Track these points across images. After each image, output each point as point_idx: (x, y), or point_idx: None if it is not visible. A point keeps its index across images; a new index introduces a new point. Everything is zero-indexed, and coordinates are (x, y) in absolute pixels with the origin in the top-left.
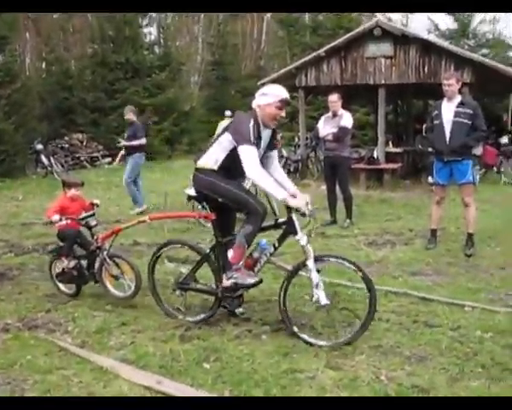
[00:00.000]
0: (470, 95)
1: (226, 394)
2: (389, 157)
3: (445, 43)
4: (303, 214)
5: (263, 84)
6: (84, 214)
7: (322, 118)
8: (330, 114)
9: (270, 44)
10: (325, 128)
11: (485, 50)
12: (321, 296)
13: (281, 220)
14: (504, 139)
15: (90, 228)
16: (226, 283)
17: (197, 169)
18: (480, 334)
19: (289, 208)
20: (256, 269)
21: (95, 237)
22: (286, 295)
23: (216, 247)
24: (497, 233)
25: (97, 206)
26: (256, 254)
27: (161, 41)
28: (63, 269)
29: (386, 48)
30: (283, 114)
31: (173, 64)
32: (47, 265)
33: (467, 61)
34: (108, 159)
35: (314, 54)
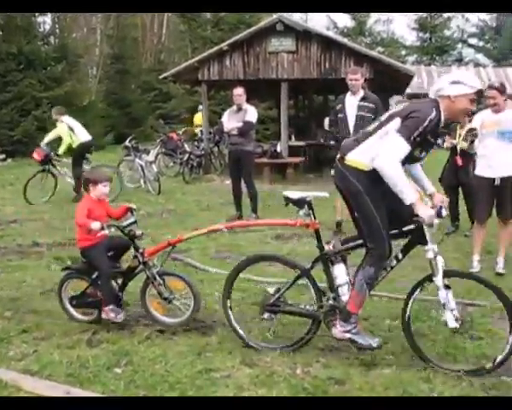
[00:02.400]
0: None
1: None
2: (292, 151)
3: (345, 40)
4: (429, 225)
5: (164, 78)
6: (128, 221)
7: (227, 112)
8: (235, 107)
9: (171, 38)
10: (230, 122)
11: (380, 48)
12: (448, 318)
13: (408, 228)
14: None
15: (133, 239)
16: (339, 334)
17: (344, 164)
18: (389, 322)
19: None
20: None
21: (140, 251)
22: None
23: (318, 261)
24: None
25: (134, 211)
26: None
27: (57, 31)
28: (84, 292)
29: (288, 43)
30: (474, 108)
31: (70, 56)
32: (58, 284)
33: (366, 57)
34: (1, 156)
35: (217, 48)
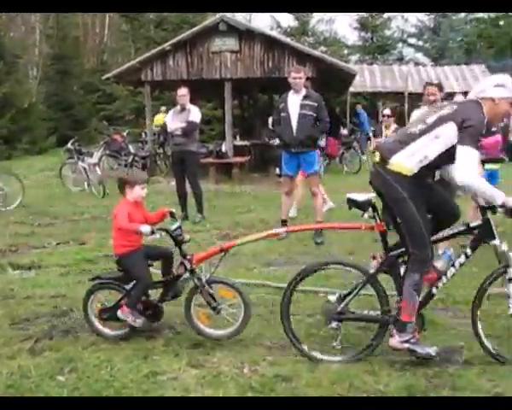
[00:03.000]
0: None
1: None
2: (237, 151)
3: (288, 40)
4: None
5: (107, 79)
6: (175, 225)
7: (171, 112)
8: (178, 108)
9: (114, 38)
10: (173, 122)
11: (323, 48)
12: None
13: (474, 224)
14: (345, 131)
15: (180, 244)
16: (397, 344)
17: (386, 168)
18: None
19: (485, 210)
20: (440, 284)
21: (188, 257)
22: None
23: (385, 264)
24: (340, 220)
25: (175, 215)
26: (441, 266)
27: None
28: (118, 304)
29: (231, 43)
30: None
31: (8, 56)
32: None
33: (308, 56)
34: None
35: (159, 48)
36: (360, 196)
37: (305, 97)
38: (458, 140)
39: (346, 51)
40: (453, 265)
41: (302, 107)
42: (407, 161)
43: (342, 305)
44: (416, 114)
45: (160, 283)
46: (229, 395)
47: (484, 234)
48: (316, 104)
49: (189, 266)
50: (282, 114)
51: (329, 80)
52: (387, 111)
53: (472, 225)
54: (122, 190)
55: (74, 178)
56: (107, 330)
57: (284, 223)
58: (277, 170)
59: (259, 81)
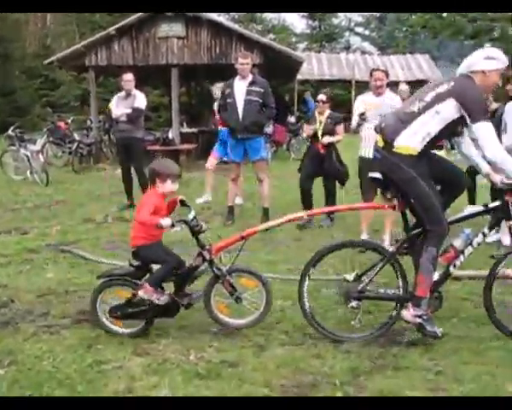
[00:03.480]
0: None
1: None
2: (184, 138)
3: (236, 26)
4: None
5: (50, 64)
6: (191, 214)
7: (115, 98)
8: (123, 93)
9: (58, 22)
10: (118, 108)
11: (271, 35)
12: None
13: (493, 205)
14: (292, 119)
15: (197, 234)
16: (410, 317)
17: (393, 152)
18: (281, 303)
19: (504, 191)
20: (458, 262)
21: (206, 247)
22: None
23: (406, 243)
24: (289, 206)
25: (184, 203)
26: (459, 245)
27: None
28: (131, 301)
29: (178, 28)
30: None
31: None
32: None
33: (256, 43)
34: None
35: (104, 32)
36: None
37: (252, 83)
38: (470, 120)
39: (294, 39)
40: (471, 244)
41: (248, 93)
42: (411, 141)
43: (362, 284)
44: (360, 100)
45: (176, 275)
46: (175, 382)
47: (501, 214)
48: (262, 90)
49: (208, 257)
50: (228, 100)
51: (277, 67)
52: (322, 97)
53: (490, 205)
54: (153, 181)
55: (16, 166)
56: (118, 328)
57: (231, 209)
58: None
59: (207, 68)
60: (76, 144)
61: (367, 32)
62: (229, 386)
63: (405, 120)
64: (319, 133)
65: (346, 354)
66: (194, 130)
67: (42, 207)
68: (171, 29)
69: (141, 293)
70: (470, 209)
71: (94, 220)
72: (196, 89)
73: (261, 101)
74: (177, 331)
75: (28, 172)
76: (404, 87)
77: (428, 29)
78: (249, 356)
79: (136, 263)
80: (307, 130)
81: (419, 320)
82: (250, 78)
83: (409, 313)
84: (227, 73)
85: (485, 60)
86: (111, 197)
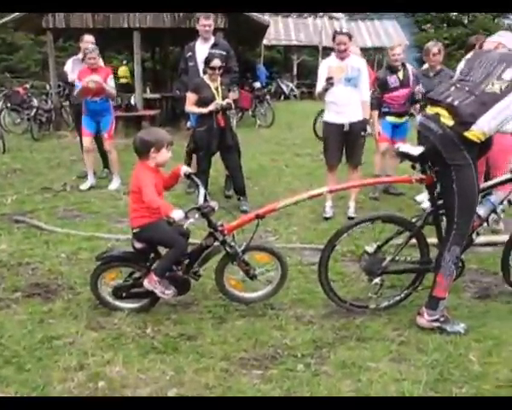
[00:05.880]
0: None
1: None
2: (148, 104)
3: None
4: None
5: (4, 26)
6: (201, 194)
7: (70, 60)
8: (80, 56)
9: None
10: (74, 72)
11: None
12: None
13: (510, 176)
14: (257, 84)
15: (207, 214)
16: (427, 324)
17: (459, 133)
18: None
19: None
20: (482, 230)
21: (219, 228)
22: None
23: (430, 216)
24: (253, 174)
25: (190, 176)
26: (483, 213)
27: None
28: (136, 280)
29: None
30: None
31: None
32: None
33: None
34: None
35: None
36: (413, 150)
37: (214, 46)
38: None
39: None
40: (495, 211)
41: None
42: (487, 126)
43: (386, 261)
44: (324, 64)
45: (186, 255)
46: (131, 356)
47: None
48: (225, 53)
49: (220, 238)
50: (190, 64)
51: (242, 32)
52: (217, 62)
53: (509, 176)
54: (144, 153)
55: None
56: (123, 304)
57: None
58: (188, 123)
59: (171, 32)
60: (34, 111)
61: None
62: (187, 360)
63: (486, 101)
64: (219, 102)
65: (308, 325)
66: (157, 95)
67: None
68: None
69: (145, 283)
70: (497, 178)
71: (52, 189)
72: (160, 54)
73: (224, 64)
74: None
75: None
76: (356, 50)
77: None
78: (208, 329)
79: (139, 246)
80: (212, 105)
81: (436, 324)
82: (212, 40)
83: (424, 319)
84: (192, 37)
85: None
86: (71, 166)
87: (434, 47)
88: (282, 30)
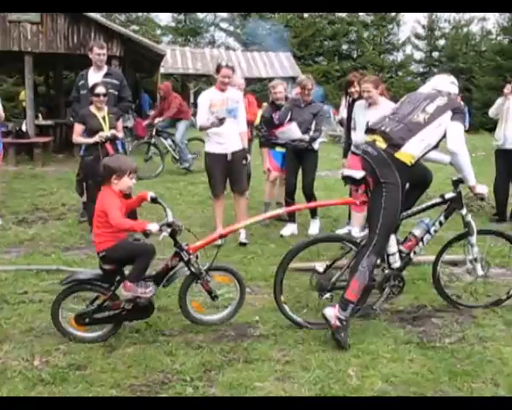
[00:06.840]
0: (120, 67)
1: None
2: (40, 130)
3: (95, 15)
4: (482, 199)
5: None
6: (169, 214)
7: None
8: None
9: None
10: None
11: (135, 26)
12: (477, 268)
13: (449, 196)
14: (153, 112)
15: (174, 235)
16: (333, 316)
17: (393, 155)
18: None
19: (458, 183)
20: (418, 249)
21: (184, 248)
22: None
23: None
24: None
25: (155, 200)
26: (418, 233)
27: None
28: (102, 305)
29: (32, 13)
30: None
31: None
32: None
33: (116, 34)
34: None
35: None
36: (356, 173)
37: (107, 75)
38: (451, 119)
39: (158, 32)
40: (429, 232)
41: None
42: (415, 149)
43: (336, 276)
44: (205, 96)
45: (150, 277)
46: (16, 391)
47: (456, 205)
48: (118, 82)
49: (186, 258)
50: (82, 92)
51: (139, 60)
52: (101, 89)
53: (447, 197)
54: (107, 179)
55: None
56: (84, 334)
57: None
58: (81, 151)
59: (65, 57)
60: None
61: (231, 28)
62: (76, 390)
63: (412, 128)
64: (103, 134)
65: (198, 349)
66: (50, 122)
67: None
68: (24, 13)
69: (123, 292)
70: (429, 201)
71: None
72: (54, 79)
73: (117, 93)
74: (22, 335)
75: None
76: (240, 81)
77: (290, 28)
78: (98, 358)
79: (108, 267)
80: (99, 137)
81: (338, 323)
82: (105, 69)
83: (335, 310)
84: (86, 63)
85: (451, 85)
86: None
87: (309, 83)
88: (179, 58)
